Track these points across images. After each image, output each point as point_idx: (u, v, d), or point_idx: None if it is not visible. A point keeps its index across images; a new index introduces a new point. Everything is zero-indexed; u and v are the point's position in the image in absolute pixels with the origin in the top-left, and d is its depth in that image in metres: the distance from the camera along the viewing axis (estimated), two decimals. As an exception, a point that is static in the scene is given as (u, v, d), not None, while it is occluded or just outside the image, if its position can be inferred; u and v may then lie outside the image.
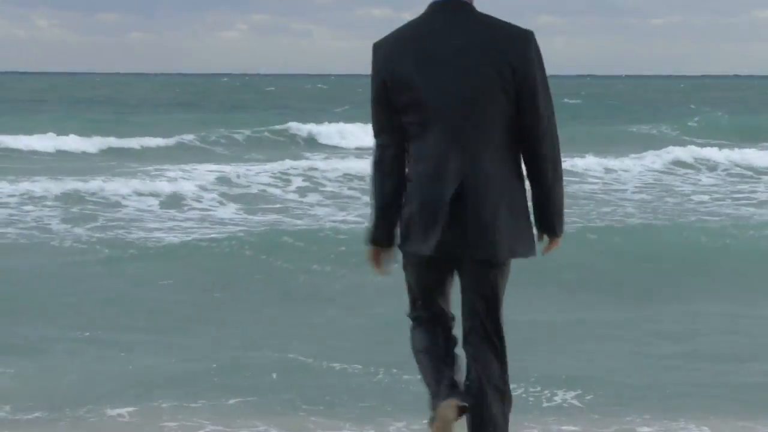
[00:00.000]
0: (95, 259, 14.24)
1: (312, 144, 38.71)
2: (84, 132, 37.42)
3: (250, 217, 19.34)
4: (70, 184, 21.47)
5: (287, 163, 25.61)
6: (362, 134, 37.29)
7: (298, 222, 18.66)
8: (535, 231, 5.29)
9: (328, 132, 39.86)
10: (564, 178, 5.23)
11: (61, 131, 36.77)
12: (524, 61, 5.03)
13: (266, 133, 39.76)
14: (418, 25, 5.13)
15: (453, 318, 5.39)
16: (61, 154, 33.69)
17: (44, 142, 34.84)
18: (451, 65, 5.04)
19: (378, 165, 5.21)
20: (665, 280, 13.48)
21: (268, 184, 23.44)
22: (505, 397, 5.25)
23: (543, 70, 5.10)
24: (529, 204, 5.22)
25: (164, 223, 18.26)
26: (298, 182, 23.81)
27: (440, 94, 5.04)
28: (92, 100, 75.86)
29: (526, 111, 5.06)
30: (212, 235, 16.32)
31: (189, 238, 16.06)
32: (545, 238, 5.29)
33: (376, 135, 5.23)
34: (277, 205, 21.08)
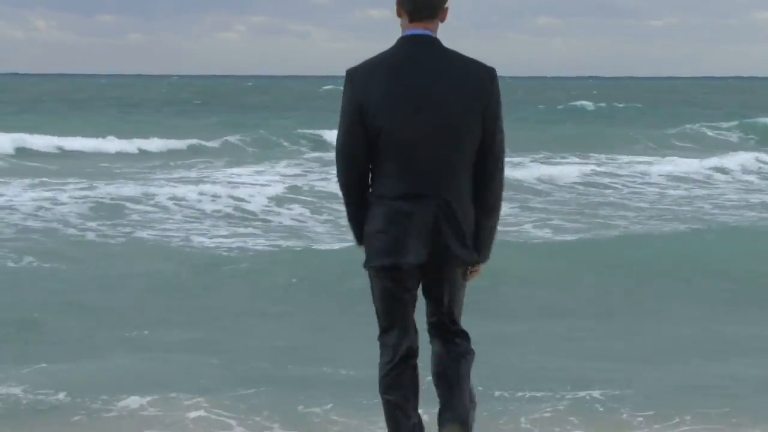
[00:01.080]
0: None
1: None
2: (132, 134, 38.35)
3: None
4: (210, 188, 22.02)
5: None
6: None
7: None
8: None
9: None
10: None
11: (111, 133, 37.76)
12: (490, 97, 5.46)
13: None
14: (390, 56, 5.49)
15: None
16: (128, 156, 34.51)
17: (107, 145, 36.05)
18: (421, 97, 5.40)
19: (349, 184, 5.57)
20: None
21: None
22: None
23: (500, 102, 5.53)
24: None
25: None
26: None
27: (410, 122, 5.40)
28: (119, 103, 75.93)
29: (489, 142, 5.47)
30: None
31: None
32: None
33: (340, 151, 5.54)
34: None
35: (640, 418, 8.01)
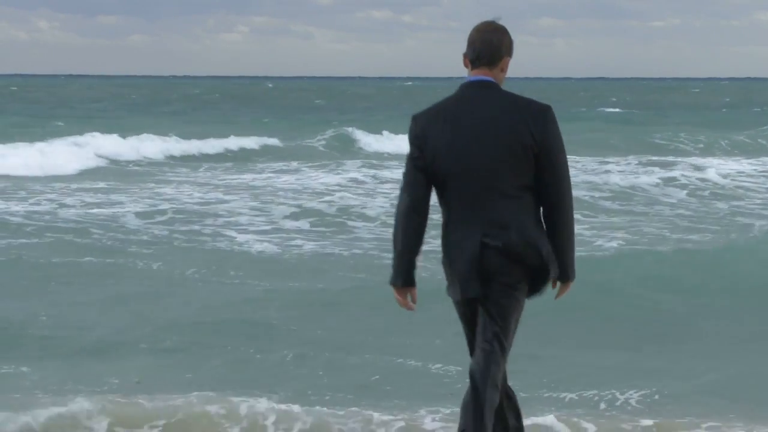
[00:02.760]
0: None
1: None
2: (198, 134, 38.35)
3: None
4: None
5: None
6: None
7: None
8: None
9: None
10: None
11: (179, 133, 37.81)
12: (544, 133, 5.82)
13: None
14: (450, 100, 5.96)
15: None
16: (232, 155, 34.70)
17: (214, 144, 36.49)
18: (477, 135, 5.83)
19: (403, 216, 5.94)
20: None
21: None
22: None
23: (560, 138, 5.88)
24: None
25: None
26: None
27: (465, 160, 5.83)
28: (182, 103, 76.24)
29: (546, 174, 5.83)
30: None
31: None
32: (558, 283, 6.02)
33: (404, 188, 5.96)
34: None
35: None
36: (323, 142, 38.35)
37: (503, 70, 5.96)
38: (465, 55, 5.97)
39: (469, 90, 5.93)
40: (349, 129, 40.41)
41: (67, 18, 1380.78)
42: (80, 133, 35.48)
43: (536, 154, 5.80)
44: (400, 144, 34.95)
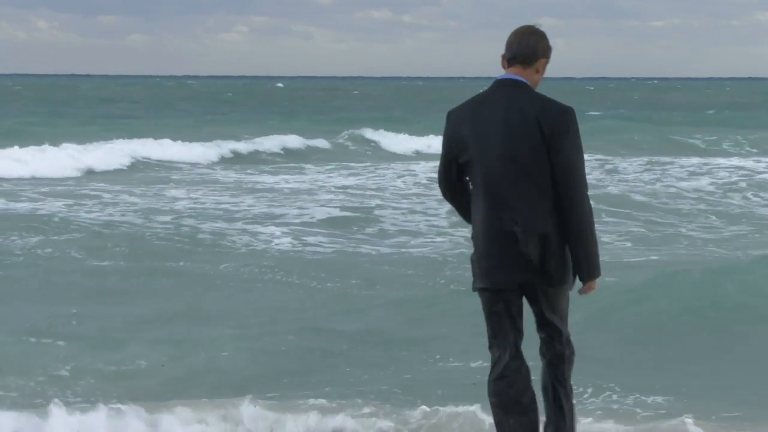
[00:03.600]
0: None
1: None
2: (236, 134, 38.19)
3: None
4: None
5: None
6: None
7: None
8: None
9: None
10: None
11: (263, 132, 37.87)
12: (561, 133, 6.02)
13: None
14: (481, 97, 6.22)
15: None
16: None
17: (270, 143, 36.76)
18: (500, 132, 6.06)
19: (455, 205, 6.35)
20: None
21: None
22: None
23: (576, 139, 6.06)
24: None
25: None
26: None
27: (490, 155, 6.07)
28: (203, 102, 76.40)
29: (564, 173, 6.02)
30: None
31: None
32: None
33: (438, 182, 6.34)
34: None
35: None
36: (359, 142, 38.40)
37: (539, 71, 6.20)
38: (503, 56, 6.20)
39: (499, 87, 6.17)
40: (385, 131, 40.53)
41: (67, 18, 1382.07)
42: (124, 136, 35.28)
43: (551, 153, 6.01)
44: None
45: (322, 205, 20.72)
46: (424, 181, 25.63)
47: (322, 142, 38.09)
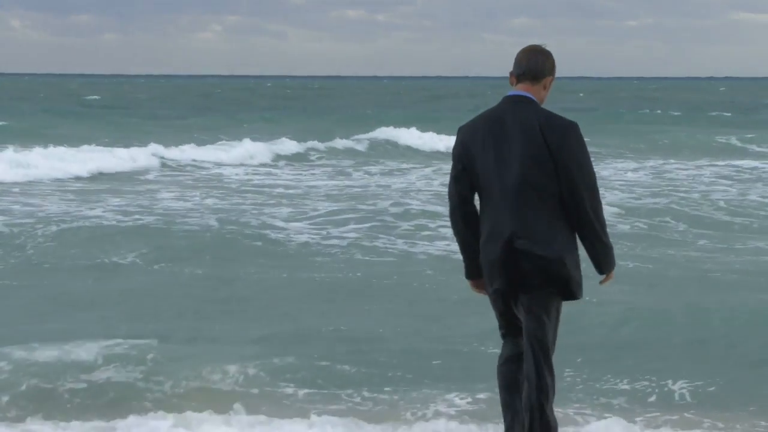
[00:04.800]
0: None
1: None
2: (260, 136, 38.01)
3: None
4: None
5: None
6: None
7: None
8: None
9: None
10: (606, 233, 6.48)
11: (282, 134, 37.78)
12: (565, 146, 6.34)
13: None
14: (490, 112, 6.55)
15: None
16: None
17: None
18: (507, 146, 6.39)
19: (453, 221, 6.61)
20: None
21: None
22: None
23: (581, 153, 6.37)
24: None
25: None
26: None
27: (498, 168, 6.39)
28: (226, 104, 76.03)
29: (571, 185, 6.34)
30: None
31: None
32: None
33: (449, 195, 6.61)
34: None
35: None
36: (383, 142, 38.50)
37: (546, 87, 6.54)
38: (511, 74, 6.55)
39: (507, 103, 6.49)
40: (407, 128, 40.54)
41: (39, 17, 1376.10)
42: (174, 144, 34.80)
43: (557, 167, 6.31)
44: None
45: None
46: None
47: (349, 143, 37.87)
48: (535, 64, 6.51)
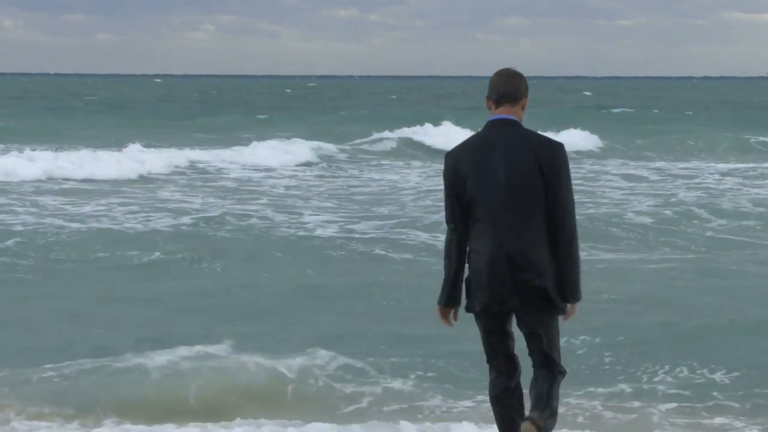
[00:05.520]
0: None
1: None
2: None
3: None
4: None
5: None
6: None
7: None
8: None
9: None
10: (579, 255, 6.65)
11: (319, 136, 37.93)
12: (552, 166, 6.59)
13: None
14: (477, 137, 6.77)
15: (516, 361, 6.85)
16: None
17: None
18: (496, 167, 6.59)
19: (448, 246, 6.76)
20: None
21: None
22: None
23: (566, 172, 6.62)
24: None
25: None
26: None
27: (488, 189, 6.58)
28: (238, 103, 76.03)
29: (553, 202, 6.56)
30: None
31: None
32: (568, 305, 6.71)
33: (447, 221, 6.76)
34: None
35: None
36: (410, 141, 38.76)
37: (523, 108, 6.75)
38: (488, 98, 6.76)
39: (494, 127, 6.69)
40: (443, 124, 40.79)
41: (32, 16, 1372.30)
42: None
43: (545, 185, 6.53)
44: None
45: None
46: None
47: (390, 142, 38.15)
48: (512, 87, 6.72)
